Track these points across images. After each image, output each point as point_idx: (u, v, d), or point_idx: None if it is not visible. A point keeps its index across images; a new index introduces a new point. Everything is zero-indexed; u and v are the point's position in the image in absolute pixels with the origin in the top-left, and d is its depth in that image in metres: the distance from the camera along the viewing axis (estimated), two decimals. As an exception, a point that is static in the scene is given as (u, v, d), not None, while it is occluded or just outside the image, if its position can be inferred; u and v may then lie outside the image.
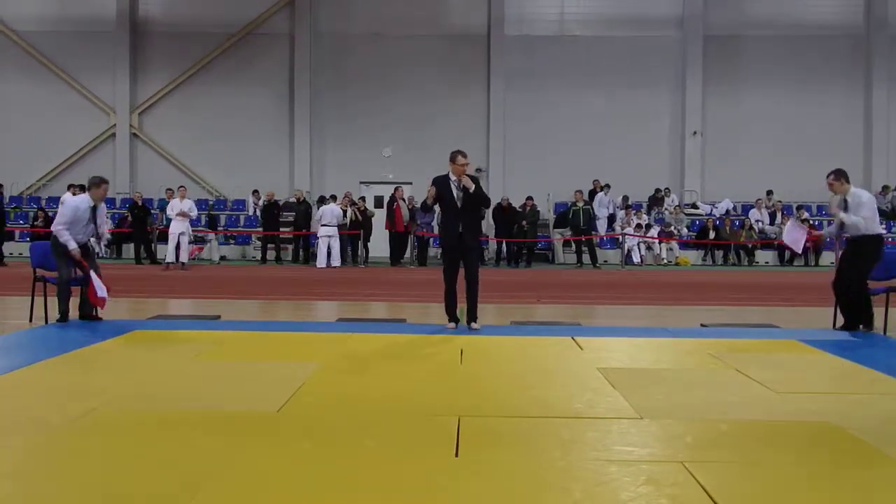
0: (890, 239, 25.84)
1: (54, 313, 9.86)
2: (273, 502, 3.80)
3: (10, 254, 25.17)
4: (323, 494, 3.91)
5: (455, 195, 9.76)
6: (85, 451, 4.61)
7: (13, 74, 28.83)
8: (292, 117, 28.48)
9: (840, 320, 9.99)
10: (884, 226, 26.47)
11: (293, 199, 25.38)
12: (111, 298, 10.06)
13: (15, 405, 5.65)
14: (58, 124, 28.58)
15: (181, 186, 22.98)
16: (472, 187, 9.63)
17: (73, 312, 9.96)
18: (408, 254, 24.15)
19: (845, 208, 9.67)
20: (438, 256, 23.64)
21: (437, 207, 10.64)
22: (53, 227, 9.96)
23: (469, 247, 9.88)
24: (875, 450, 4.71)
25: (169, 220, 21.81)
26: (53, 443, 4.74)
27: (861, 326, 9.71)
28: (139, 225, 23.86)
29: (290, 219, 26.87)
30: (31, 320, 10.21)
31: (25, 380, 6.55)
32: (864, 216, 9.57)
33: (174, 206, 21.62)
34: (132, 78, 28.82)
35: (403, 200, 23.84)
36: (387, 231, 24.18)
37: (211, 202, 27.89)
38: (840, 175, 9.87)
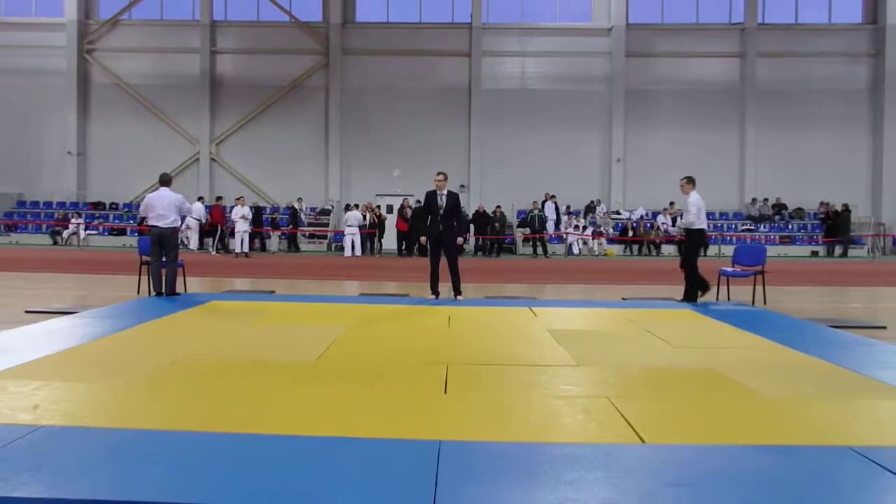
0: (756, 236, 26.03)
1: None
2: (313, 424, 3.80)
3: (123, 245, 25.18)
4: (347, 418, 3.91)
5: (439, 204, 9.81)
6: (177, 388, 4.61)
7: (125, 116, 28.70)
8: (327, 147, 28.36)
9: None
10: (750, 224, 26.79)
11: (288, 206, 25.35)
12: (196, 277, 10.00)
13: (127, 354, 5.64)
14: (157, 151, 28.34)
15: (241, 196, 23.02)
16: (461, 241, 9.87)
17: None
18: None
19: (680, 216, 9.93)
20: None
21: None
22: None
23: (447, 242, 9.90)
24: (742, 386, 4.74)
25: (234, 222, 21.95)
26: (152, 383, 4.73)
27: (700, 294, 9.78)
28: (216, 225, 23.83)
29: (325, 221, 26.98)
30: (138, 293, 10.19)
31: (135, 336, 6.52)
32: (692, 213, 9.72)
33: (237, 212, 21.67)
34: (211, 118, 28.70)
35: (411, 208, 23.79)
36: (395, 230, 24.12)
37: (269, 208, 27.75)
38: (690, 181, 9.91)
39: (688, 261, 9.85)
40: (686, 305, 9.47)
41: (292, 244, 25.54)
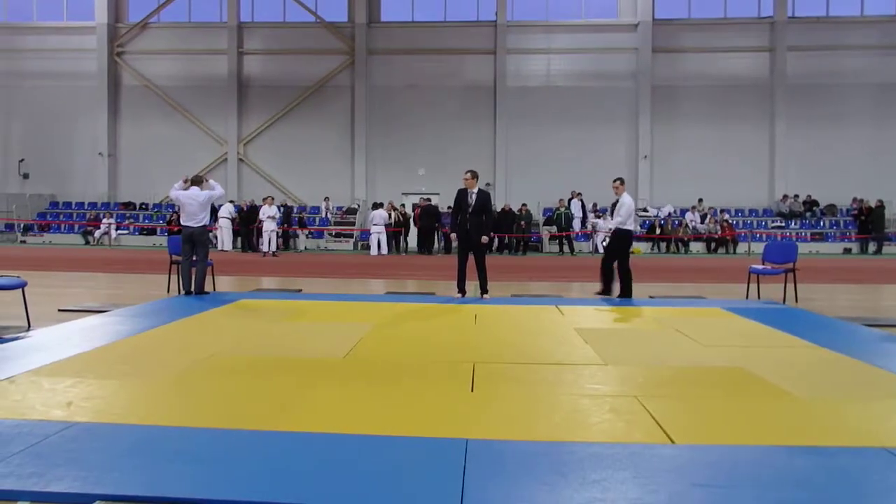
0: (787, 233, 25.68)
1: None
2: (340, 422, 3.81)
3: (154, 245, 25.52)
4: (374, 416, 3.93)
5: (468, 202, 9.77)
6: (205, 385, 4.66)
7: (155, 118, 29.15)
8: (353, 146, 28.53)
9: (751, 293, 9.93)
10: (780, 221, 26.44)
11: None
12: (224, 276, 10.07)
13: (157, 352, 5.71)
14: (186, 152, 28.81)
15: (269, 196, 23.19)
16: (486, 240, 9.89)
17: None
18: (435, 245, 24.21)
19: (611, 214, 10.09)
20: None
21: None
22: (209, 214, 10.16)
23: (475, 242, 9.84)
24: (773, 385, 4.68)
25: (261, 222, 22.09)
26: (182, 378, 4.79)
27: (601, 292, 10.18)
28: (245, 224, 24.01)
29: (351, 220, 27.06)
30: (168, 291, 10.32)
31: (165, 334, 6.61)
32: (622, 214, 10.07)
33: (265, 212, 21.85)
34: (239, 118, 29.03)
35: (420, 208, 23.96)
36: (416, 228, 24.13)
37: (295, 208, 27.94)
38: (622, 182, 10.32)
39: (622, 261, 10.12)
40: (624, 301, 9.69)
41: (285, 243, 24.92)
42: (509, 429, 3.73)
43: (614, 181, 10.36)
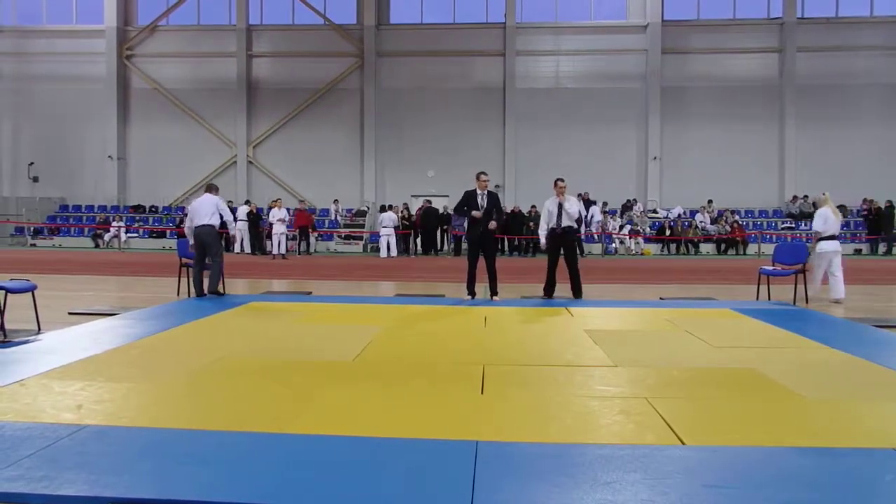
0: (797, 234, 25.54)
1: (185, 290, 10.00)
2: (350, 424, 3.82)
3: (163, 247, 25.62)
4: (384, 418, 3.93)
5: (480, 204, 9.74)
6: (216, 387, 4.67)
7: (164, 121, 29.26)
8: (362, 148, 28.58)
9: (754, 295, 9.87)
10: (790, 222, 26.30)
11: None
12: (235, 279, 10.09)
13: (167, 354, 5.73)
14: (195, 155, 28.98)
15: (278, 199, 23.22)
16: (494, 225, 9.78)
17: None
18: (444, 247, 24.22)
19: (559, 214, 10.17)
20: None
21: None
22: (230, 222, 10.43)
23: (488, 243, 9.84)
24: (784, 386, 4.67)
25: (271, 224, 22.23)
26: (193, 381, 4.81)
27: (546, 295, 10.22)
28: (253, 227, 24.06)
29: (361, 222, 27.08)
30: (178, 294, 10.35)
31: (175, 337, 6.63)
32: (574, 214, 10.26)
33: (274, 214, 21.93)
34: (248, 121, 29.11)
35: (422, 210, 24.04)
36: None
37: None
38: (566, 183, 10.45)
39: (575, 258, 10.31)
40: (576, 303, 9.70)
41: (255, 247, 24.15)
42: (519, 430, 3.73)
43: (564, 183, 10.20)
